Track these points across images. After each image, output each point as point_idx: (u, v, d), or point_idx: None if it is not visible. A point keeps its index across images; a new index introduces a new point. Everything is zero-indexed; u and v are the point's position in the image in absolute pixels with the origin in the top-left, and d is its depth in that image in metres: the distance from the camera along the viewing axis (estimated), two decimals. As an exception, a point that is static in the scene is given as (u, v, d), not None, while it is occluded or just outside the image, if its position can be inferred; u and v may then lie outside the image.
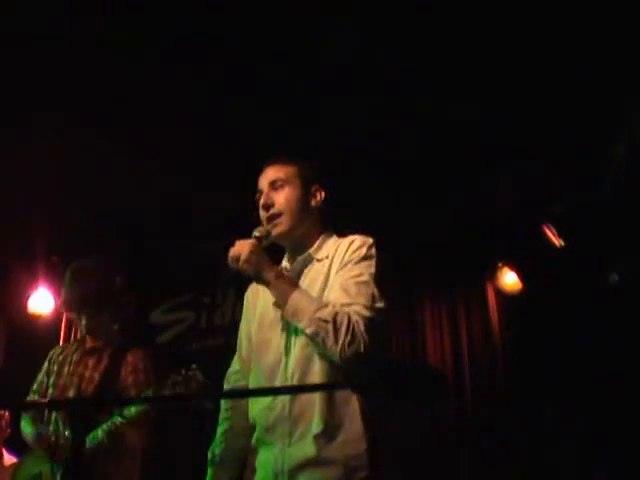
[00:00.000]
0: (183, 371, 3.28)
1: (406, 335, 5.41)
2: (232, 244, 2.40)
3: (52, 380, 3.62)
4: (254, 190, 2.59)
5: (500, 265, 5.40)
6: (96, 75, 3.92)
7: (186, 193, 4.87)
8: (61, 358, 3.69)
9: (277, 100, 4.06)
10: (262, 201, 2.54)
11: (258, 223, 2.52)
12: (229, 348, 5.91)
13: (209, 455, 2.58)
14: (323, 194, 2.60)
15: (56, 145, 4.37)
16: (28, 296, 5.72)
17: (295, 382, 2.33)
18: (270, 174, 2.57)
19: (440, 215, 5.04)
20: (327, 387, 2.32)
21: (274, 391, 2.43)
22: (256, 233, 2.47)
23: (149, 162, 4.55)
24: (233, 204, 4.23)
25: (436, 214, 5.02)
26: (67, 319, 5.71)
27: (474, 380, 5.19)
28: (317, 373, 2.30)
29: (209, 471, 2.57)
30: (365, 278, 2.36)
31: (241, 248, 2.38)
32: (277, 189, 2.53)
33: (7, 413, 4.30)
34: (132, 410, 3.38)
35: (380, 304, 2.34)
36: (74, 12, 3.52)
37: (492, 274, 5.43)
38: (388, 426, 2.33)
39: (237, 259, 2.37)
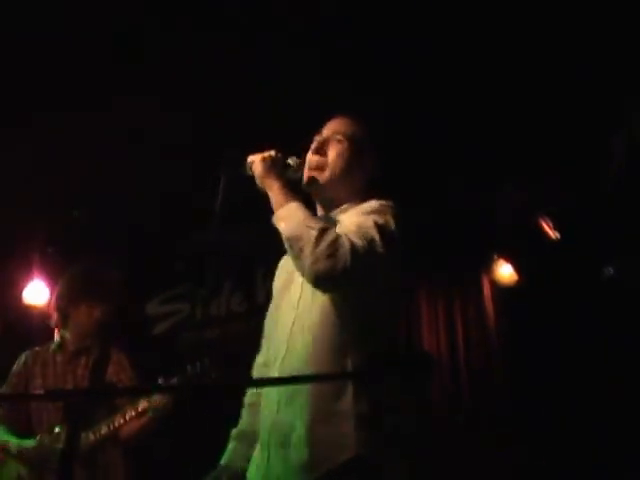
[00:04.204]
0: (198, 363, 3.39)
1: (402, 327, 5.41)
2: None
3: (37, 382, 3.68)
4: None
5: (496, 257, 5.39)
6: (97, 73, 3.92)
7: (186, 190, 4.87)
8: (41, 360, 3.77)
9: (278, 99, 4.06)
10: (315, 144, 2.43)
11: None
12: (225, 339, 5.93)
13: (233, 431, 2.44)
14: (375, 164, 2.46)
15: (56, 140, 4.36)
16: (23, 288, 5.69)
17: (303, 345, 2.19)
18: (336, 124, 2.46)
19: (437, 208, 5.04)
20: (327, 377, 2.18)
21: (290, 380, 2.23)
22: (289, 160, 2.40)
23: (148, 159, 4.56)
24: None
25: (434, 208, 5.03)
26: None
27: (470, 372, 5.21)
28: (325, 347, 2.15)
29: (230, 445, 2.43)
30: (369, 223, 2.17)
31: (262, 153, 2.34)
32: (335, 141, 2.41)
33: None
34: (139, 404, 3.46)
35: (379, 248, 2.11)
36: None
37: (488, 266, 5.43)
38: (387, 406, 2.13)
39: (253, 162, 2.32)
